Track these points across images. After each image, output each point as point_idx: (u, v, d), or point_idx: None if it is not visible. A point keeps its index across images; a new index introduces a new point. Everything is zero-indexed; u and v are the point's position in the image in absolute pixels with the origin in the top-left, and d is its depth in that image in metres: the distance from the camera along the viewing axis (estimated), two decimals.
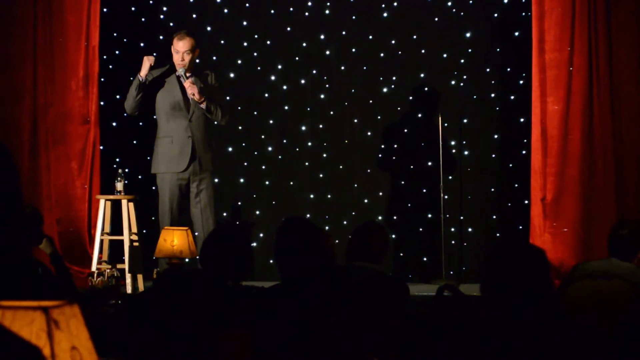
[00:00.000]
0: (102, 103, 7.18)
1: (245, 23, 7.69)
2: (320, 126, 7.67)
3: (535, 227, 6.82)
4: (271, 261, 5.98)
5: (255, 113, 7.69)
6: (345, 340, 3.10)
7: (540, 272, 2.65)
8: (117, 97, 7.19)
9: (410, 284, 4.68)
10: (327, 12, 7.68)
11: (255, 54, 7.68)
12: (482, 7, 7.52)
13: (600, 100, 6.76)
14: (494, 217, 7.45)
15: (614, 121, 6.75)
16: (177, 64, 6.38)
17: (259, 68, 7.69)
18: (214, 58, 7.63)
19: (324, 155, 7.65)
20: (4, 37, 7.00)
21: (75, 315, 1.36)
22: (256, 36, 7.67)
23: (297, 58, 7.68)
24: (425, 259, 7.44)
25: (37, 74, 7.04)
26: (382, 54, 7.60)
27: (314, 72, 7.67)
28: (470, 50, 7.50)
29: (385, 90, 7.60)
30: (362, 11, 7.63)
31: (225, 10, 7.74)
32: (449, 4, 7.54)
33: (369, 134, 7.62)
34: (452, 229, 7.43)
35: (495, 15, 7.50)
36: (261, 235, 7.47)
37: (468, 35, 7.50)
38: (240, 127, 7.66)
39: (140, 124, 7.35)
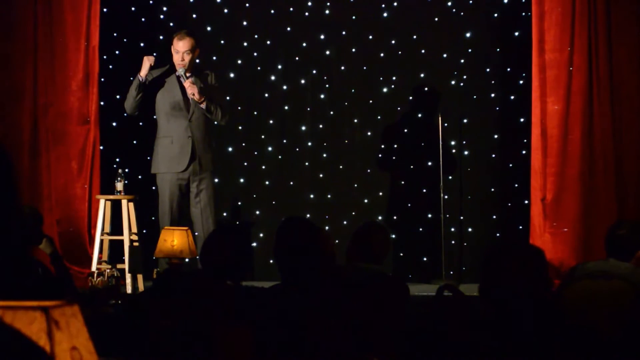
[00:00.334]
0: (102, 103, 7.18)
1: (245, 23, 7.69)
2: (320, 126, 7.67)
3: (535, 227, 6.82)
4: (271, 261, 5.97)
5: (255, 113, 7.69)
6: (345, 340, 3.10)
7: (540, 272, 2.66)
8: (117, 97, 7.19)
9: (410, 284, 4.67)
10: (327, 12, 7.68)
11: (255, 54, 7.68)
12: (482, 7, 7.52)
13: (600, 100, 6.76)
14: (494, 217, 7.45)
15: (614, 121, 6.75)
16: (177, 64, 6.38)
17: (259, 68, 7.69)
18: (214, 58, 7.62)
19: (324, 155, 7.64)
20: (4, 37, 6.99)
21: (75, 315, 1.36)
22: (256, 36, 7.67)
23: (297, 58, 7.68)
24: (425, 259, 7.44)
25: (37, 74, 7.04)
26: (382, 54, 7.60)
27: (314, 72, 7.67)
28: (470, 50, 7.50)
29: (385, 90, 7.60)
30: (362, 11, 7.62)
31: (225, 10, 7.74)
32: (449, 4, 7.54)
33: (369, 134, 7.62)
34: (452, 229, 7.42)
35: (495, 15, 7.50)
36: (261, 235, 7.47)
37: (468, 35, 7.50)
38: (240, 127, 7.66)
39: (140, 124, 7.35)
